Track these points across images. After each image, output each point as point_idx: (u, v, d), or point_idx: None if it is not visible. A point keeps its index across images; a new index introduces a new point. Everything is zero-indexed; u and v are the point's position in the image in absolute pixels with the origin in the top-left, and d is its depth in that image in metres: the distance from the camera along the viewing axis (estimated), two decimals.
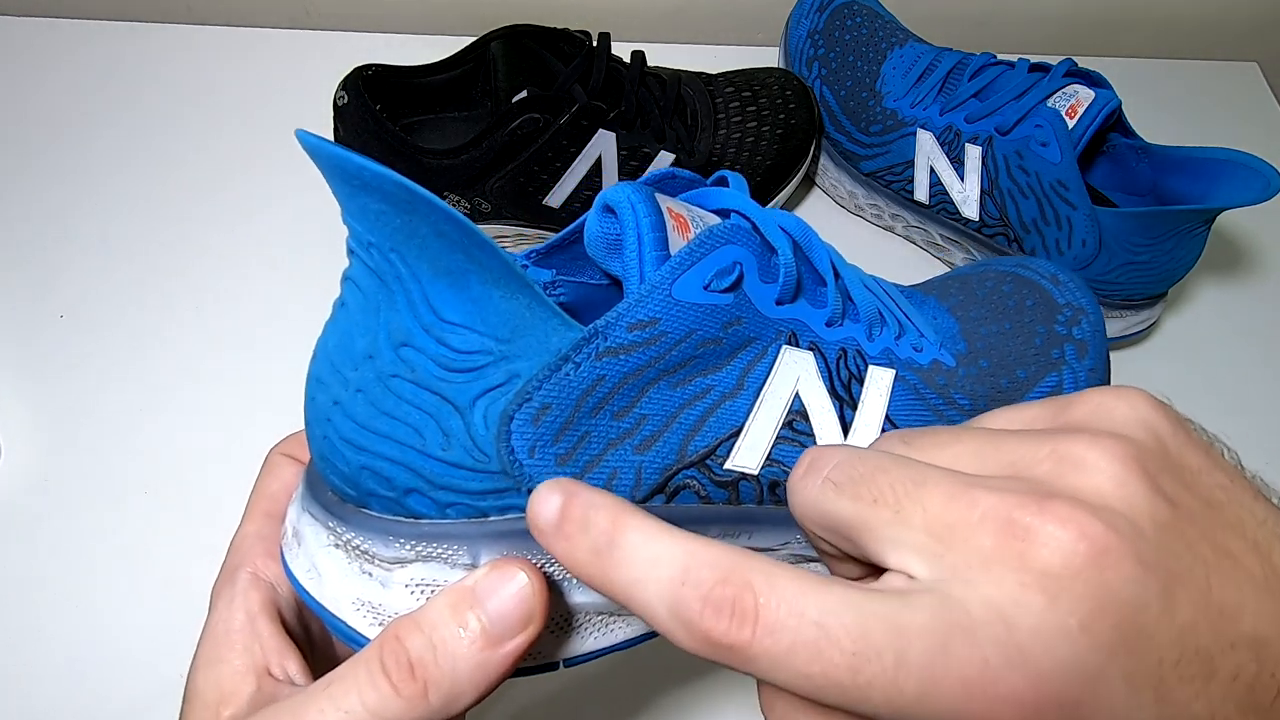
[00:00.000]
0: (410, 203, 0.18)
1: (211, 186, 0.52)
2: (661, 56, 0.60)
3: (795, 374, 0.24)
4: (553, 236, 0.27)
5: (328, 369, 0.22)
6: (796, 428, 0.24)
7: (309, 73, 0.58)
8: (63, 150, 0.53)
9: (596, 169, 0.44)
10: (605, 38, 0.45)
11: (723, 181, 0.26)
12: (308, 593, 0.23)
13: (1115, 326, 0.45)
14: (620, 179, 0.44)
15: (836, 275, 0.26)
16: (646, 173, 0.41)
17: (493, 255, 0.19)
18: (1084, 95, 0.44)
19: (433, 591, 0.22)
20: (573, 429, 0.22)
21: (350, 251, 0.21)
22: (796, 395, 0.24)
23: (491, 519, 0.22)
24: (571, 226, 0.26)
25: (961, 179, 0.47)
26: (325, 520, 0.23)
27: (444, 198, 0.43)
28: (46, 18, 0.59)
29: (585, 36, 0.45)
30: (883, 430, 0.25)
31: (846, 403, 0.25)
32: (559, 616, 0.24)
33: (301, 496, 0.24)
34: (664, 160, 0.45)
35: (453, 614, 0.20)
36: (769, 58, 0.55)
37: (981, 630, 0.17)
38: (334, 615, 0.23)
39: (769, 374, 0.24)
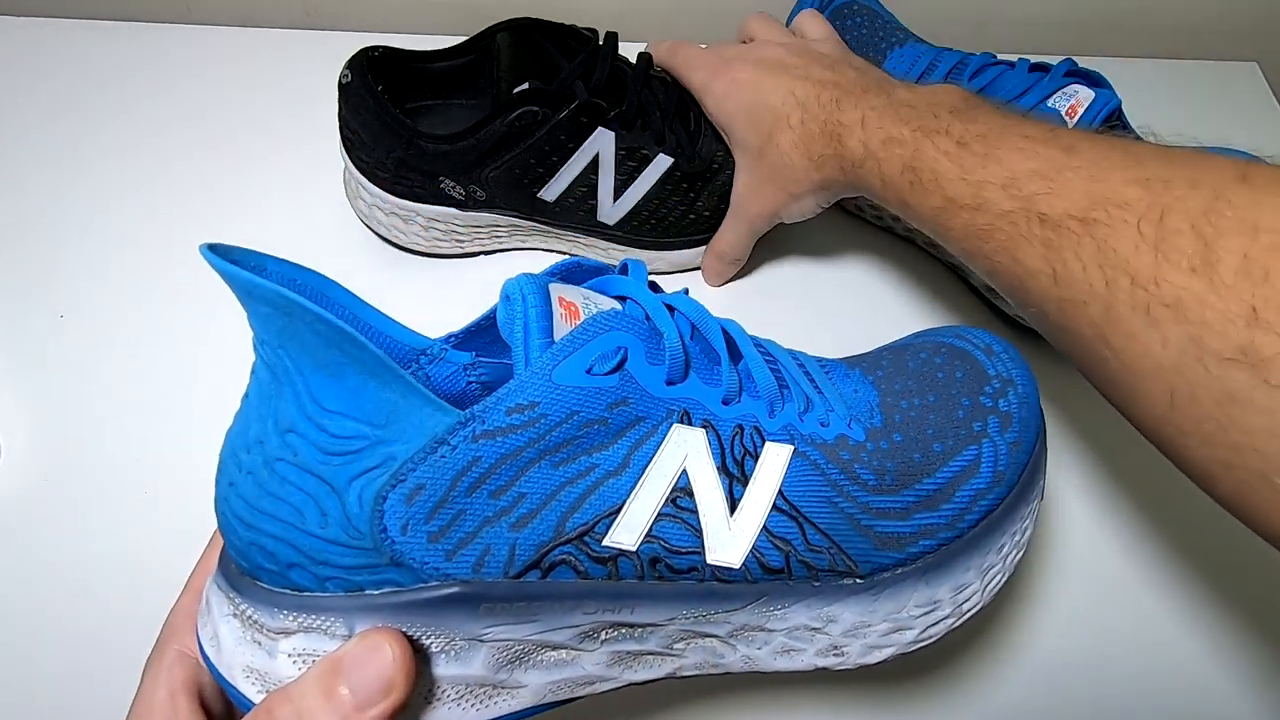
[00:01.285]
0: (289, 308, 0.21)
1: (211, 186, 0.52)
2: None
3: (683, 452, 0.25)
4: (470, 322, 0.28)
5: (228, 453, 0.24)
6: (680, 504, 0.25)
7: (309, 73, 0.58)
8: (63, 150, 0.53)
9: (593, 167, 0.44)
10: (612, 37, 0.45)
11: (625, 269, 0.28)
12: (209, 660, 0.25)
13: None
14: (616, 179, 0.45)
15: (735, 354, 0.27)
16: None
17: (365, 350, 0.21)
18: (1084, 95, 0.44)
19: (312, 661, 0.23)
20: (447, 508, 0.23)
21: (254, 348, 0.23)
22: (684, 472, 0.25)
23: (367, 593, 0.24)
24: (487, 312, 0.28)
25: None
26: (227, 590, 0.25)
27: (440, 182, 0.44)
28: (46, 18, 0.59)
29: (592, 34, 0.45)
30: (774, 506, 0.25)
31: (737, 479, 0.25)
32: (437, 687, 0.25)
33: (216, 568, 0.26)
34: (662, 163, 0.45)
35: (319, 684, 0.22)
36: None
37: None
38: (229, 682, 0.24)
39: (656, 452, 0.24)
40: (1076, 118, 0.43)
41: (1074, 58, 0.46)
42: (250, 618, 0.24)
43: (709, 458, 0.25)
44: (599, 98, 0.43)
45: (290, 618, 0.23)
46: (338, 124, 0.45)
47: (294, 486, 0.23)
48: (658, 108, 0.45)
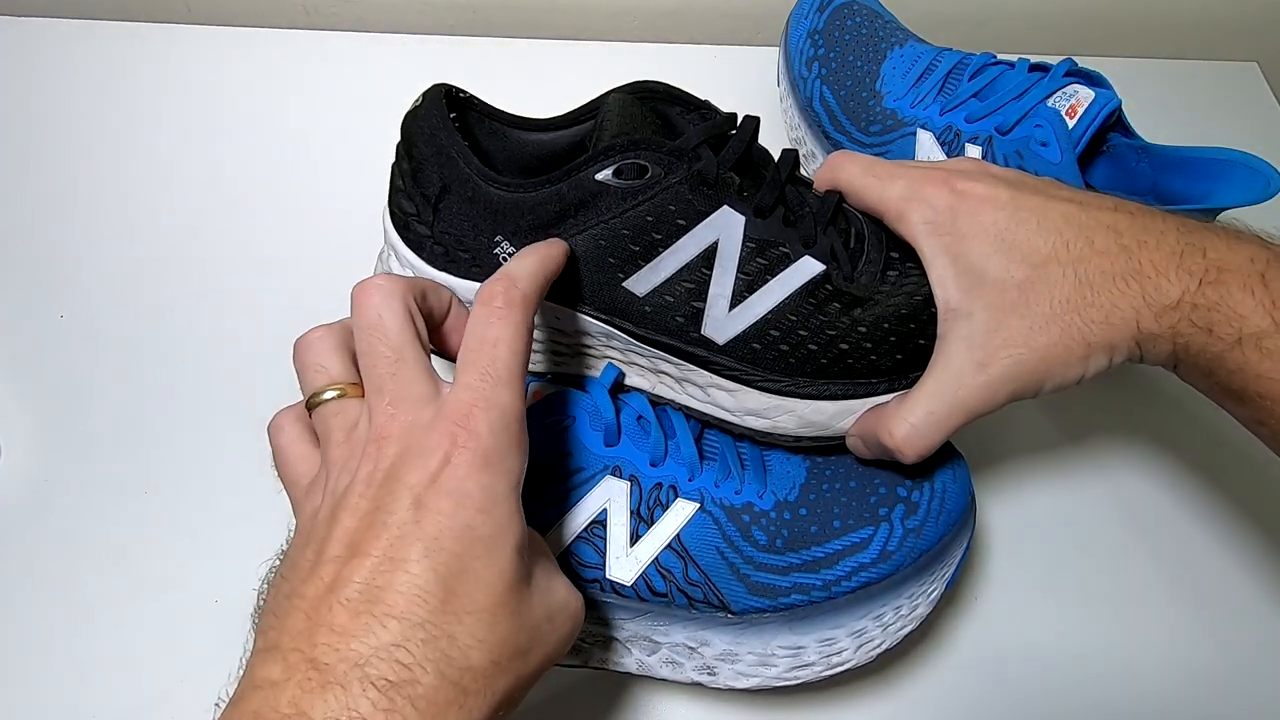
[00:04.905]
0: None
1: (211, 186, 0.52)
2: (661, 56, 0.60)
3: (607, 495, 0.33)
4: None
5: None
6: (595, 532, 0.32)
7: (309, 73, 0.58)
8: (63, 150, 0.53)
9: (708, 257, 0.32)
10: (752, 121, 0.34)
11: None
12: None
13: None
14: (739, 278, 0.32)
15: (666, 433, 0.34)
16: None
17: None
18: (1084, 95, 0.44)
19: None
20: None
21: None
22: (604, 510, 0.32)
23: None
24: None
25: None
26: None
27: (495, 245, 0.33)
28: (46, 18, 0.59)
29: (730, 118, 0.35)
30: (668, 545, 0.32)
31: (644, 521, 0.33)
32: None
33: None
34: (807, 268, 0.32)
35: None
36: (769, 57, 0.55)
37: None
38: None
39: (587, 494, 0.33)
40: (1076, 118, 0.43)
41: (1074, 58, 0.46)
42: None
43: (626, 502, 0.33)
44: (731, 172, 0.33)
45: None
46: (391, 169, 0.36)
47: None
48: (807, 206, 0.34)
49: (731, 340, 0.33)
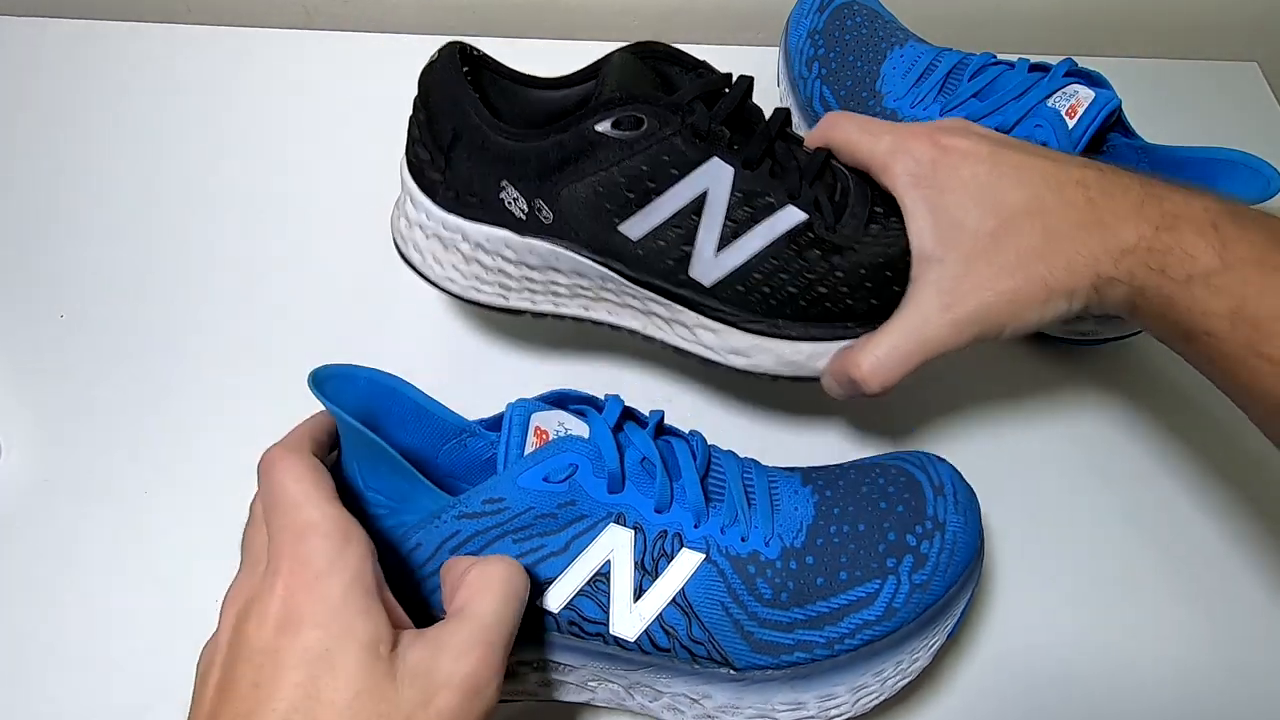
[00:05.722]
0: (344, 426, 0.29)
1: (211, 187, 0.52)
2: None
3: (610, 546, 0.31)
4: (488, 418, 0.34)
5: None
6: (597, 585, 0.31)
7: (309, 73, 0.58)
8: (63, 150, 0.53)
9: (698, 205, 0.34)
10: (746, 79, 0.36)
11: (601, 408, 0.34)
12: None
13: (1116, 325, 0.45)
14: (725, 225, 0.35)
15: (671, 476, 0.33)
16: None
17: (385, 454, 0.29)
18: (1084, 95, 0.44)
19: None
20: (434, 561, 0.31)
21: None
22: (607, 562, 0.31)
23: None
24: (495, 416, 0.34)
25: None
26: None
27: (502, 189, 0.36)
28: (46, 18, 0.59)
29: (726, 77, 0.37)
30: (672, 601, 0.31)
31: (648, 573, 0.32)
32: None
33: None
34: (790, 216, 0.35)
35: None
36: (769, 57, 0.55)
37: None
38: None
39: (591, 543, 0.31)
40: (1076, 118, 0.43)
41: (1074, 58, 0.46)
42: None
43: (630, 554, 0.31)
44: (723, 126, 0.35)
45: None
46: (409, 121, 0.39)
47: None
48: (795, 161, 0.36)
49: (717, 283, 0.36)
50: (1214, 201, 0.32)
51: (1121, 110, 0.45)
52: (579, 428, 0.33)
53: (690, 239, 0.35)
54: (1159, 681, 0.39)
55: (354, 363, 0.32)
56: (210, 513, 0.41)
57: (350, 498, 0.30)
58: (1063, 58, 0.46)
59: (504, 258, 0.38)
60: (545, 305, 0.39)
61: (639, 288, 0.37)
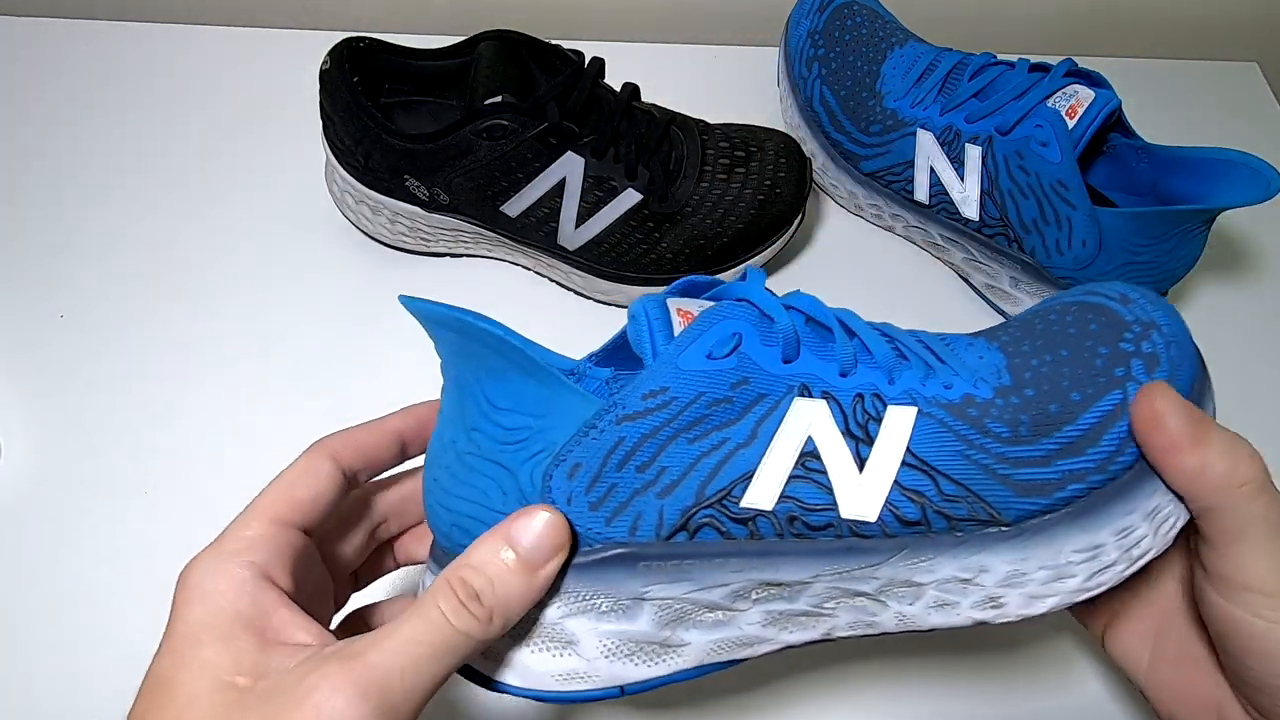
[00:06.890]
0: (465, 328, 0.26)
1: (211, 186, 0.52)
2: (661, 56, 0.60)
3: (806, 420, 0.27)
4: (606, 341, 0.31)
5: (431, 456, 0.29)
6: (809, 466, 0.27)
7: (309, 73, 0.58)
8: (63, 150, 0.53)
9: (559, 190, 0.44)
10: (597, 63, 0.44)
11: (744, 276, 0.30)
12: None
13: None
14: (581, 205, 0.44)
15: (850, 333, 0.28)
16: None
17: (522, 354, 0.25)
18: (1084, 95, 0.44)
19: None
20: (601, 481, 0.26)
21: (441, 371, 0.28)
22: (809, 439, 0.27)
23: None
24: (619, 333, 0.30)
25: (961, 179, 0.47)
26: (433, 569, 0.29)
27: (405, 180, 0.45)
28: (46, 18, 0.59)
29: (578, 57, 0.44)
30: (903, 462, 0.26)
31: (862, 440, 0.27)
32: (609, 643, 0.28)
33: (429, 557, 0.30)
34: (629, 198, 0.44)
35: (495, 553, 0.25)
36: (769, 58, 0.55)
37: None
38: None
39: (780, 424, 0.27)
40: (1076, 118, 0.43)
41: (1074, 58, 0.46)
42: None
43: (832, 424, 0.27)
44: (573, 122, 0.43)
45: None
46: (319, 108, 0.46)
47: (480, 474, 0.27)
48: (635, 141, 0.44)
49: (579, 248, 0.46)
50: None
51: (1121, 110, 0.45)
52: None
53: (555, 216, 0.45)
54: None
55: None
56: (210, 513, 0.41)
57: (471, 439, 0.27)
58: (1063, 58, 0.46)
59: (419, 223, 0.47)
60: (460, 249, 0.50)
61: (525, 246, 0.48)
